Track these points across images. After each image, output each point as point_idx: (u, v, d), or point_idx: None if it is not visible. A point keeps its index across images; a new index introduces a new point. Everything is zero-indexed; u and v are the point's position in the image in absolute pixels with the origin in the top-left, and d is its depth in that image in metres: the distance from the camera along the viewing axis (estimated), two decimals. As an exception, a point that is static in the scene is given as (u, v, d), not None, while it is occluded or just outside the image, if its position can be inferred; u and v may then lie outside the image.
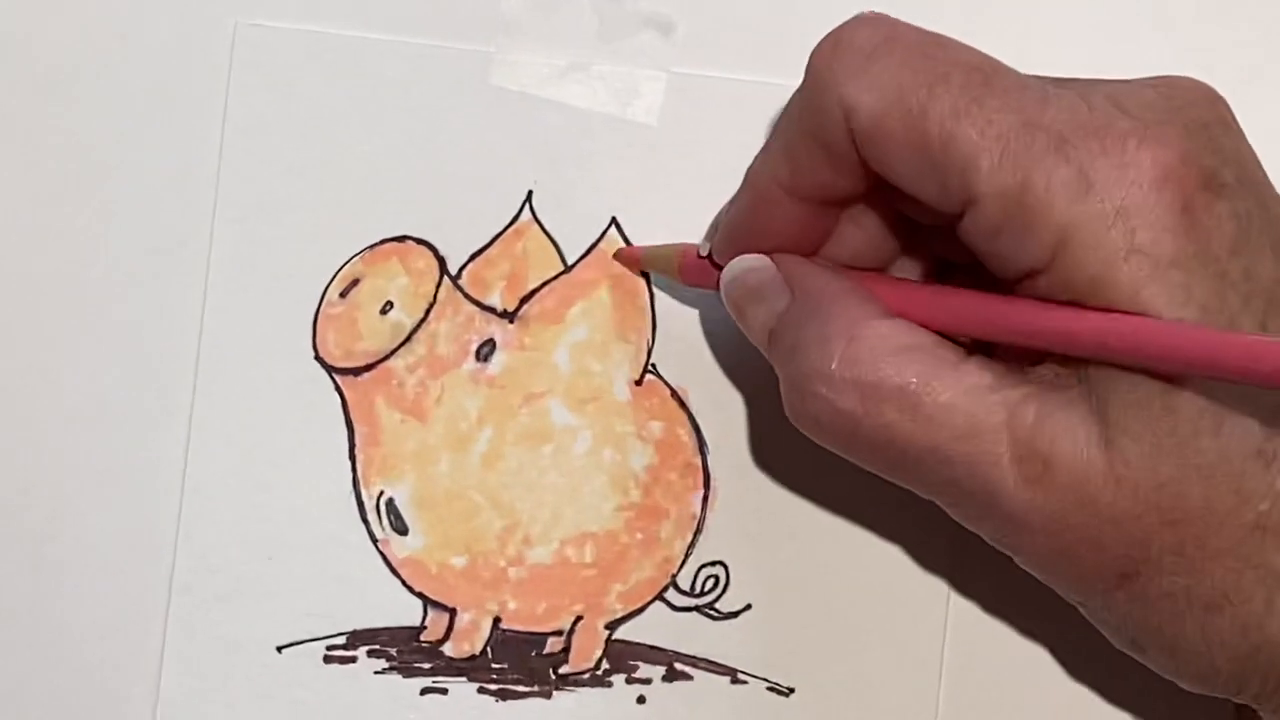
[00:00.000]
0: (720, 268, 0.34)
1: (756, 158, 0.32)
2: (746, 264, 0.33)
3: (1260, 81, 0.38)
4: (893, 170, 0.30)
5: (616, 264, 0.37)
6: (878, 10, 0.31)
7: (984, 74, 0.29)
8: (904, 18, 0.30)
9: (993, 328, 0.30)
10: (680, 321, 0.37)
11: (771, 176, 0.32)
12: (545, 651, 0.37)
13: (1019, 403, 0.29)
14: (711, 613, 0.37)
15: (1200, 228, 0.28)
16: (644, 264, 0.37)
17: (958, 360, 0.30)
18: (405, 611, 0.37)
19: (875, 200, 0.32)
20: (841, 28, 0.30)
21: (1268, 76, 0.38)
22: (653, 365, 0.37)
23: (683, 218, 0.37)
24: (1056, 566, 0.30)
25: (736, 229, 0.33)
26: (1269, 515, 0.28)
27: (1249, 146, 0.30)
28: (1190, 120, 0.28)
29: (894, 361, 0.30)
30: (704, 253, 0.34)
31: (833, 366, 0.30)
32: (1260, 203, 0.29)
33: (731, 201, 0.34)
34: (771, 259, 0.33)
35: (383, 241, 0.37)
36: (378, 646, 0.37)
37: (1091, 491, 0.28)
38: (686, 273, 0.35)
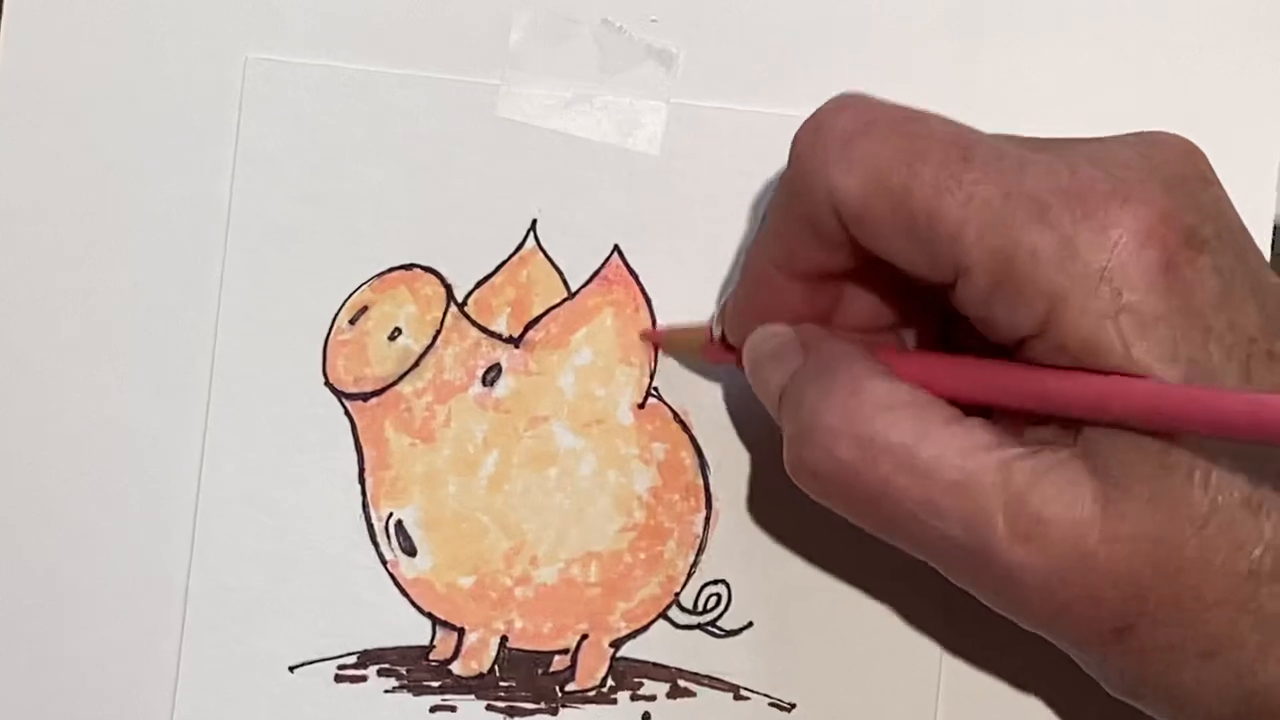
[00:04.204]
0: (732, 348, 0.34)
1: (751, 243, 0.33)
2: (769, 330, 0.33)
3: (1237, 127, 0.39)
4: (883, 248, 0.30)
5: (618, 290, 0.38)
6: (857, 92, 0.31)
7: (960, 147, 0.29)
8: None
9: (996, 394, 0.30)
10: (682, 346, 0.38)
11: (767, 259, 0.33)
12: (551, 669, 0.38)
13: (1013, 461, 0.29)
14: (714, 630, 0.38)
15: (1184, 284, 0.28)
16: (666, 347, 0.38)
17: (953, 418, 0.30)
18: (414, 631, 0.37)
19: (873, 270, 0.32)
20: (821, 111, 0.31)
21: (1246, 123, 0.39)
22: (655, 388, 0.38)
23: (684, 244, 0.38)
24: (1053, 624, 0.30)
25: (742, 311, 0.34)
26: (1261, 561, 0.28)
27: (1227, 199, 0.30)
28: (1169, 177, 0.29)
29: (891, 416, 0.30)
30: (715, 335, 0.35)
31: (833, 419, 0.30)
32: (1239, 255, 0.29)
33: (734, 285, 0.34)
34: (792, 328, 0.33)
35: (391, 270, 0.38)
36: (388, 666, 0.37)
37: (1088, 548, 0.28)
38: (709, 353, 0.36)
